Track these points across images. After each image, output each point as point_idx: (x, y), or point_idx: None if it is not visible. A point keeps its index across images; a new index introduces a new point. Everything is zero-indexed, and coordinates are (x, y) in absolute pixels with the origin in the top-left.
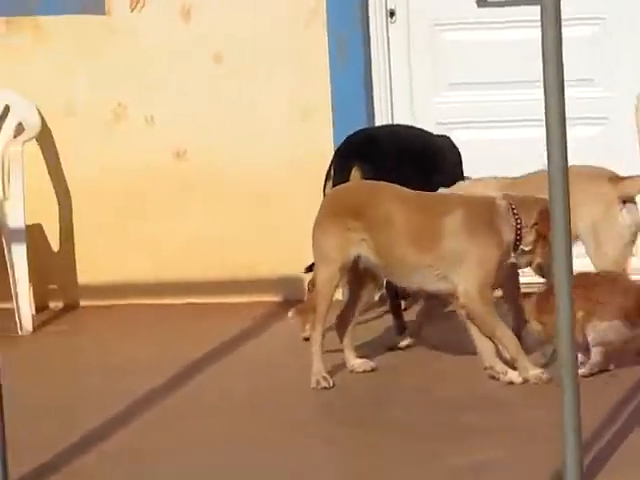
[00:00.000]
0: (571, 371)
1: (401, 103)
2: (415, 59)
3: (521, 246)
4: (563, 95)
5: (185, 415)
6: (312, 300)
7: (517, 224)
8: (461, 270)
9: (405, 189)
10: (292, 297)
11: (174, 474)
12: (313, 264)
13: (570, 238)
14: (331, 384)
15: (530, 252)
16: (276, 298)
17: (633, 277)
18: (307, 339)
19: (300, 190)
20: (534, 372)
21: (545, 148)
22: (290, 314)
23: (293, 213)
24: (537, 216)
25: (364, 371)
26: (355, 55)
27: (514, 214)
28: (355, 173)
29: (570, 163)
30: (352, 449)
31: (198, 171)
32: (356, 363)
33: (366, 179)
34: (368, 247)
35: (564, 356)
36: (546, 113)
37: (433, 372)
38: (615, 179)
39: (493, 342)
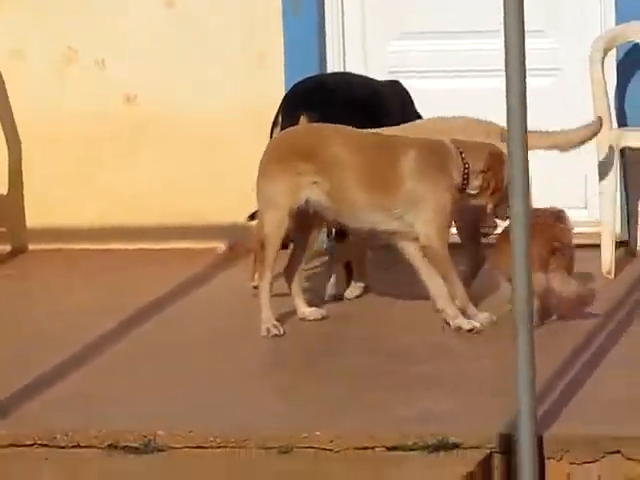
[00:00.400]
0: (526, 319)
1: (354, 51)
2: (369, 6)
3: (467, 190)
4: (524, 45)
5: (135, 361)
6: (256, 248)
7: (465, 168)
8: (418, 211)
9: (356, 130)
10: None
11: (121, 419)
12: (256, 212)
13: (528, 185)
14: (282, 332)
15: (478, 196)
16: (223, 245)
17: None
18: (256, 287)
19: (250, 136)
20: (482, 316)
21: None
22: (220, 248)
23: (242, 160)
24: (486, 161)
25: (314, 319)
26: (308, 2)
27: (462, 158)
28: (303, 120)
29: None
30: (301, 398)
31: (148, 116)
32: (307, 311)
33: None
34: (320, 190)
35: (519, 304)
36: (507, 65)
37: (383, 321)
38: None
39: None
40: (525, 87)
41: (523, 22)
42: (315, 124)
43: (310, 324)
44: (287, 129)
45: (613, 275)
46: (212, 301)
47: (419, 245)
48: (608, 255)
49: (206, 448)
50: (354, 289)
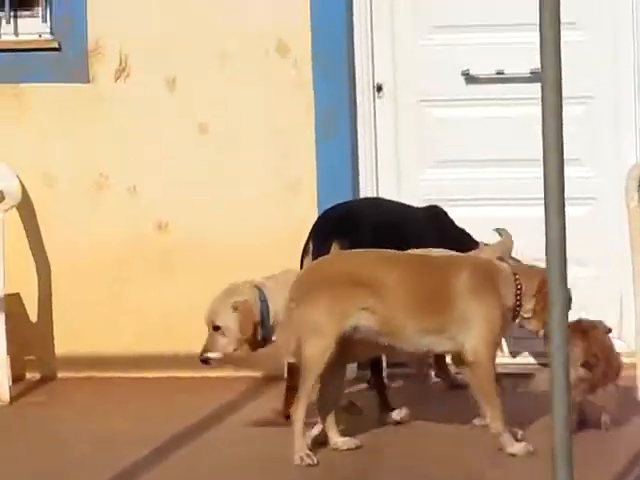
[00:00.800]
0: (565, 452)
1: (387, 179)
2: (402, 135)
3: (521, 312)
4: (563, 175)
5: None
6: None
7: (517, 290)
8: (469, 329)
9: (401, 252)
10: (272, 372)
11: None
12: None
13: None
14: (315, 461)
15: (531, 319)
16: (256, 373)
17: None
18: (288, 417)
19: (280, 262)
20: (518, 446)
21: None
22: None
23: None
24: (539, 285)
25: (348, 449)
26: (341, 129)
27: (515, 280)
28: (334, 248)
29: None
30: None
31: (179, 243)
32: (340, 441)
33: None
34: (370, 315)
35: (558, 436)
36: (545, 191)
37: (419, 452)
38: None
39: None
40: (564, 220)
41: (562, 152)
42: (355, 250)
43: (343, 454)
44: (326, 256)
45: None
46: (245, 429)
47: (467, 361)
48: None
49: None
50: (402, 410)
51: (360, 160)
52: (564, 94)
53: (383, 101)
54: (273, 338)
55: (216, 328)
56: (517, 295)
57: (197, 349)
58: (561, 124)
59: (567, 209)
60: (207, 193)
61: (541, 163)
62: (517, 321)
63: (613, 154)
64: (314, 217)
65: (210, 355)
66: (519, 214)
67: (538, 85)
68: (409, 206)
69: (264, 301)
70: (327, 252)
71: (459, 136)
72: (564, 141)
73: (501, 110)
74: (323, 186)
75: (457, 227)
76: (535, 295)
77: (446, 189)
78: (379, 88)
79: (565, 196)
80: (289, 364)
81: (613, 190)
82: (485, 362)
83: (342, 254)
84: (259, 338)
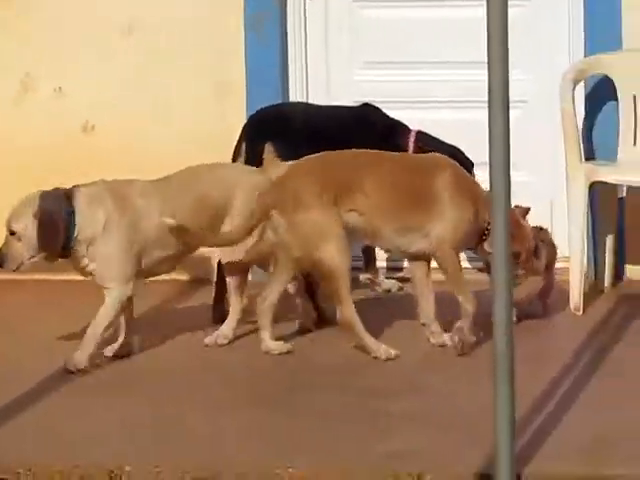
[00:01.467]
0: (507, 359)
1: (317, 80)
2: (332, 36)
3: (484, 244)
4: (507, 72)
5: (101, 395)
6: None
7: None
8: (440, 225)
9: (383, 152)
10: (202, 276)
11: (87, 454)
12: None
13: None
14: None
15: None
16: (184, 277)
17: None
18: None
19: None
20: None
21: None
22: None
23: None
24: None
25: (280, 353)
26: (271, 32)
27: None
28: (267, 149)
29: None
30: (273, 433)
31: (106, 147)
32: (272, 345)
33: (281, 157)
34: (359, 216)
35: (499, 346)
36: (489, 94)
37: (351, 356)
38: None
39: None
40: (508, 118)
41: (507, 51)
42: (338, 151)
43: (277, 358)
44: (301, 160)
45: (582, 311)
46: (179, 333)
47: (431, 250)
48: (577, 291)
49: None
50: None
51: (290, 63)
52: None
53: (314, 2)
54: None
55: (12, 233)
56: (488, 224)
57: None
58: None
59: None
60: (135, 96)
61: (473, 65)
62: (477, 249)
63: (545, 57)
64: (243, 121)
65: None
66: (445, 116)
67: None
68: (340, 106)
69: (71, 213)
70: (259, 154)
71: (390, 37)
72: None
73: (431, 11)
74: (252, 90)
75: (389, 123)
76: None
77: (377, 91)
78: None
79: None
80: (220, 263)
81: (544, 93)
82: (448, 254)
83: (321, 157)
84: (58, 249)
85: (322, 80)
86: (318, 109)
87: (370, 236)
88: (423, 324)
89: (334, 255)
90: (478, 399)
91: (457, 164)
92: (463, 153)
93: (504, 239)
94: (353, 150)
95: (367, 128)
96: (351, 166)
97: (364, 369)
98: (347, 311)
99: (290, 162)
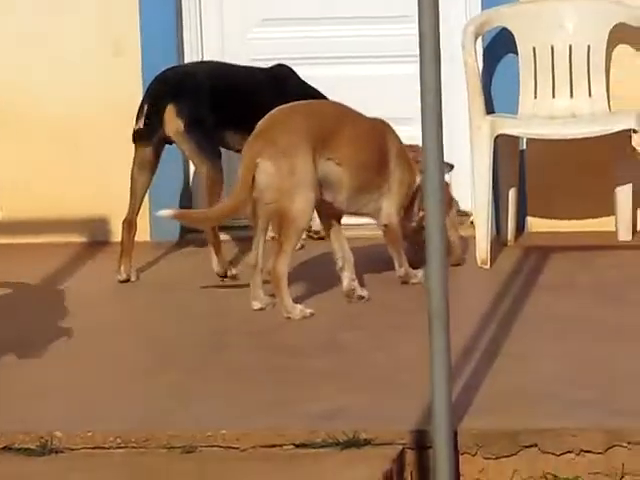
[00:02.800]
0: (441, 313)
1: (212, 38)
2: None
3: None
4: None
5: (24, 361)
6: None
7: None
8: (389, 192)
9: (351, 108)
10: (100, 238)
11: (16, 420)
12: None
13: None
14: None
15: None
16: (82, 239)
17: None
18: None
19: (108, 126)
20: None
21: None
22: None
23: (101, 154)
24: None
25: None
26: None
27: None
28: (170, 109)
29: None
30: (202, 396)
31: (2, 107)
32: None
33: (184, 119)
34: (335, 165)
35: (434, 296)
36: (421, 55)
37: (270, 316)
38: None
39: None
40: (440, 80)
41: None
42: (312, 101)
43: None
44: (282, 108)
45: (489, 265)
46: (84, 296)
47: (379, 221)
48: (484, 245)
49: (106, 449)
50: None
51: (184, 20)
52: None
53: None
54: None
55: None
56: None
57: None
58: None
59: (395, 67)
60: (29, 53)
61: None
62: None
63: (441, 10)
64: (139, 82)
65: None
66: (347, 72)
67: None
68: (250, 67)
69: None
70: (161, 115)
71: None
72: None
73: None
74: (147, 50)
75: (304, 85)
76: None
77: (272, 48)
78: None
79: (394, 54)
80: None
81: (443, 49)
82: (395, 225)
83: (303, 105)
84: None
85: (216, 37)
86: (227, 69)
87: (337, 189)
88: (339, 269)
89: (303, 208)
90: (400, 355)
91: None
92: None
93: (438, 192)
94: (331, 101)
95: (281, 88)
96: (332, 116)
97: (277, 329)
98: (283, 265)
99: (274, 110)
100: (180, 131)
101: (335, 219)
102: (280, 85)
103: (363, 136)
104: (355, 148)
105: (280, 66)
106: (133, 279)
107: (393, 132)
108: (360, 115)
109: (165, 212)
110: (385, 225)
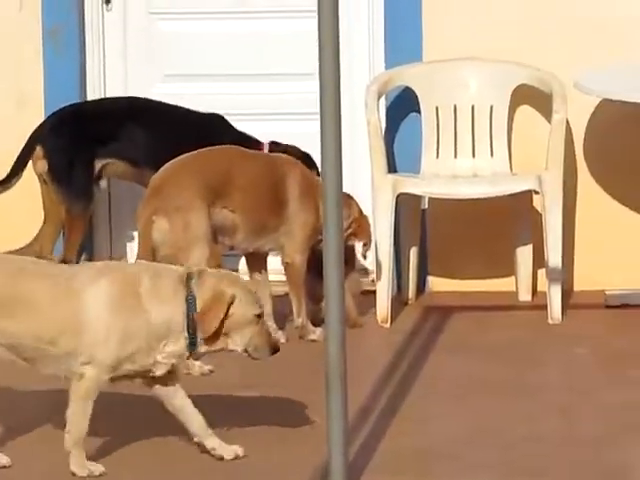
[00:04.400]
0: (338, 371)
1: (116, 93)
2: (131, 48)
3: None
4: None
5: None
6: None
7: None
8: (291, 232)
9: (249, 151)
10: None
11: None
12: None
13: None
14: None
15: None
16: None
17: None
18: None
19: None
20: (319, 331)
21: None
22: None
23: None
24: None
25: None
26: (70, 43)
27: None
28: (38, 152)
29: None
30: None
31: None
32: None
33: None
34: (229, 212)
35: (332, 358)
36: (321, 102)
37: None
38: None
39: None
40: (340, 139)
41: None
42: (211, 148)
43: None
44: (178, 159)
45: (389, 324)
46: None
47: (283, 261)
48: (384, 303)
49: None
50: None
51: (88, 74)
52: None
53: (112, 14)
54: None
55: None
56: None
57: None
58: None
59: (296, 124)
60: None
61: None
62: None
63: (344, 69)
64: None
65: None
66: (257, 129)
67: None
68: (187, 110)
69: None
70: (28, 155)
71: (188, 50)
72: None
73: (232, 24)
74: (50, 102)
75: (241, 136)
76: (356, 220)
77: (177, 103)
78: (107, 0)
79: (294, 111)
80: None
81: (343, 105)
82: (298, 266)
83: (194, 156)
84: None
85: (120, 92)
86: (157, 106)
87: (233, 235)
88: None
89: (199, 263)
90: (303, 410)
91: (302, 164)
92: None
93: (337, 242)
94: (222, 147)
95: (216, 138)
96: (224, 164)
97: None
98: None
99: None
100: (45, 171)
101: (259, 260)
102: (215, 134)
103: (256, 179)
104: (247, 193)
105: (212, 115)
106: None
107: (300, 172)
108: (256, 156)
109: None
110: (287, 263)
